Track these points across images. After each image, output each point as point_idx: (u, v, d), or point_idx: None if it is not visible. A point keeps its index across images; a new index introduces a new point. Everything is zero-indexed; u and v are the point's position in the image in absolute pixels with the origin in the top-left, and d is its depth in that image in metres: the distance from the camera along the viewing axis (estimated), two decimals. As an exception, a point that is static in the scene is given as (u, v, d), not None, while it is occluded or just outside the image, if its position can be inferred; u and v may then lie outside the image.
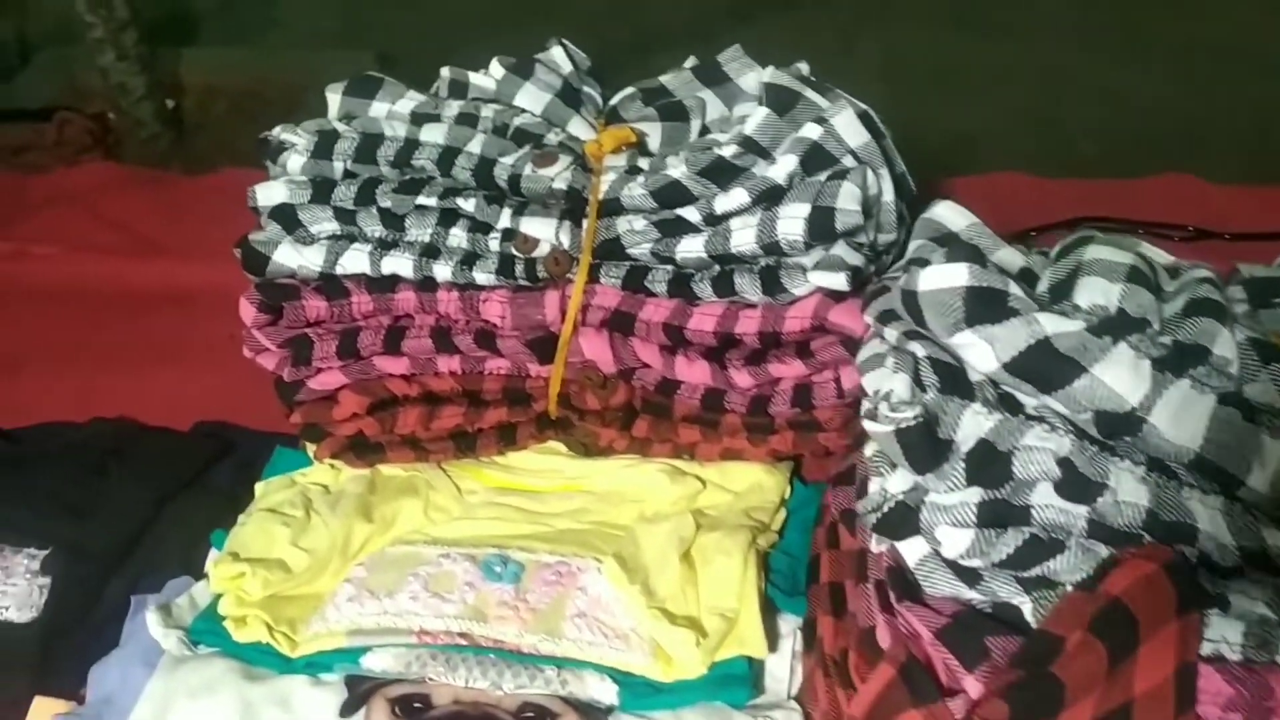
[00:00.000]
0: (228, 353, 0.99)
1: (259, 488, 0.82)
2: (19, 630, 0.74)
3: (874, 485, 0.55)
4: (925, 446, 0.51)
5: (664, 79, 0.87)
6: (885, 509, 0.54)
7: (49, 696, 0.68)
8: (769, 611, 0.71)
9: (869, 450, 0.57)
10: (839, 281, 0.71)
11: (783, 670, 0.69)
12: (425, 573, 0.73)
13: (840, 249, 0.72)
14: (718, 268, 0.75)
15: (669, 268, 0.76)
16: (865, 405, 0.57)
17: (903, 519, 0.53)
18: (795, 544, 0.77)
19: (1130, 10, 2.12)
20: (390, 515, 0.78)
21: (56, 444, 0.90)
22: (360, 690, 0.67)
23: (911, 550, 0.54)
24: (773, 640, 0.69)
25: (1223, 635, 0.49)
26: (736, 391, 0.77)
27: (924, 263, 0.58)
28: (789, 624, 0.71)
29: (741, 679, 0.67)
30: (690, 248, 0.74)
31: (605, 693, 0.67)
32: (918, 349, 0.55)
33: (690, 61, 0.88)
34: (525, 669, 0.67)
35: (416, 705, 0.66)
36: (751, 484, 0.80)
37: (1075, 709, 0.44)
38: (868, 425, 0.54)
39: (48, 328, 1.06)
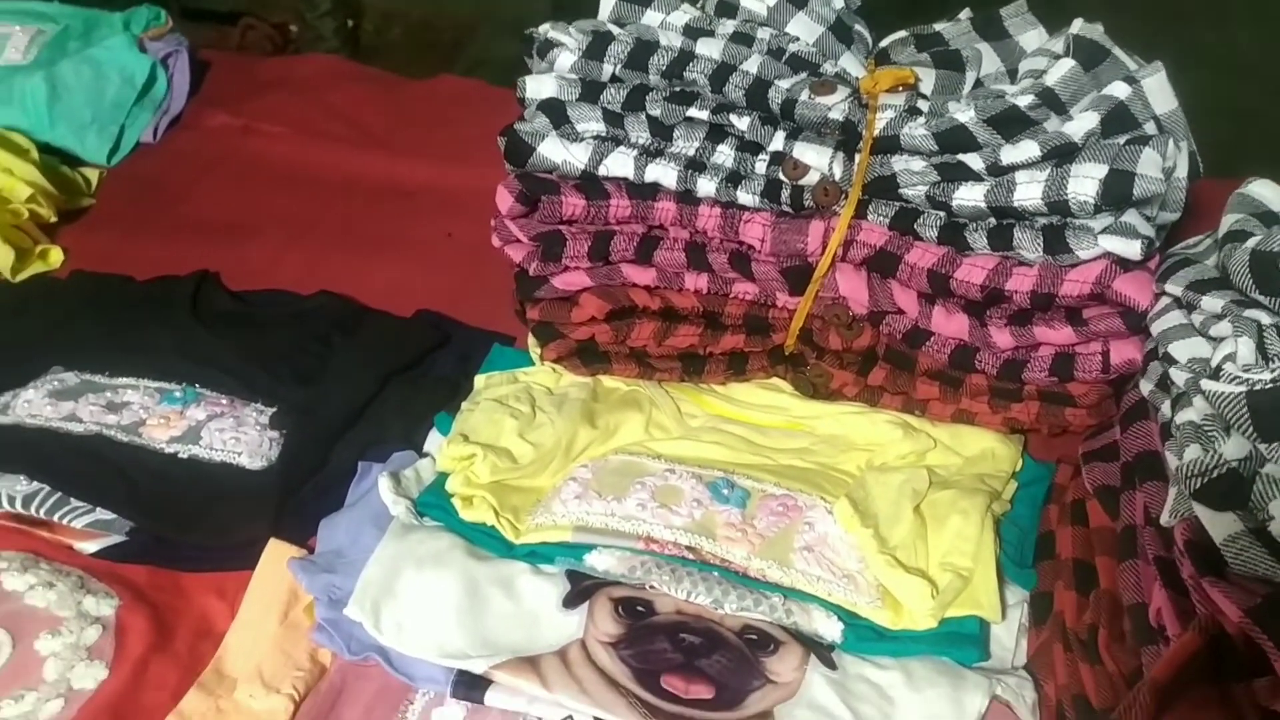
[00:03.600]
0: (446, 250, 1.01)
1: (479, 380, 0.82)
2: (253, 476, 0.76)
3: (1191, 452, 0.52)
4: (1278, 413, 0.48)
5: (940, 26, 0.84)
6: (1214, 474, 0.50)
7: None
8: (1000, 579, 0.68)
9: (1181, 418, 0.54)
10: (1133, 250, 0.67)
11: (1009, 640, 0.67)
12: (652, 484, 0.72)
13: (1132, 216, 0.69)
14: (994, 220, 0.72)
15: (942, 214, 0.73)
16: (1183, 375, 0.54)
17: (1233, 488, 0.50)
18: (1024, 517, 0.74)
19: None
20: (613, 425, 0.78)
21: (284, 311, 0.92)
22: (583, 586, 0.67)
23: (1220, 525, 0.51)
24: (1002, 608, 0.67)
25: None
26: (991, 351, 0.74)
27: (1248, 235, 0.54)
28: (1016, 595, 0.69)
29: (973, 639, 0.65)
30: (968, 196, 0.71)
31: (830, 629, 0.65)
32: (1261, 316, 0.51)
33: (966, 12, 0.85)
34: (750, 593, 0.66)
35: (639, 609, 0.65)
36: (983, 450, 0.77)
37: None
38: (1207, 385, 0.51)
39: (276, 203, 1.08)
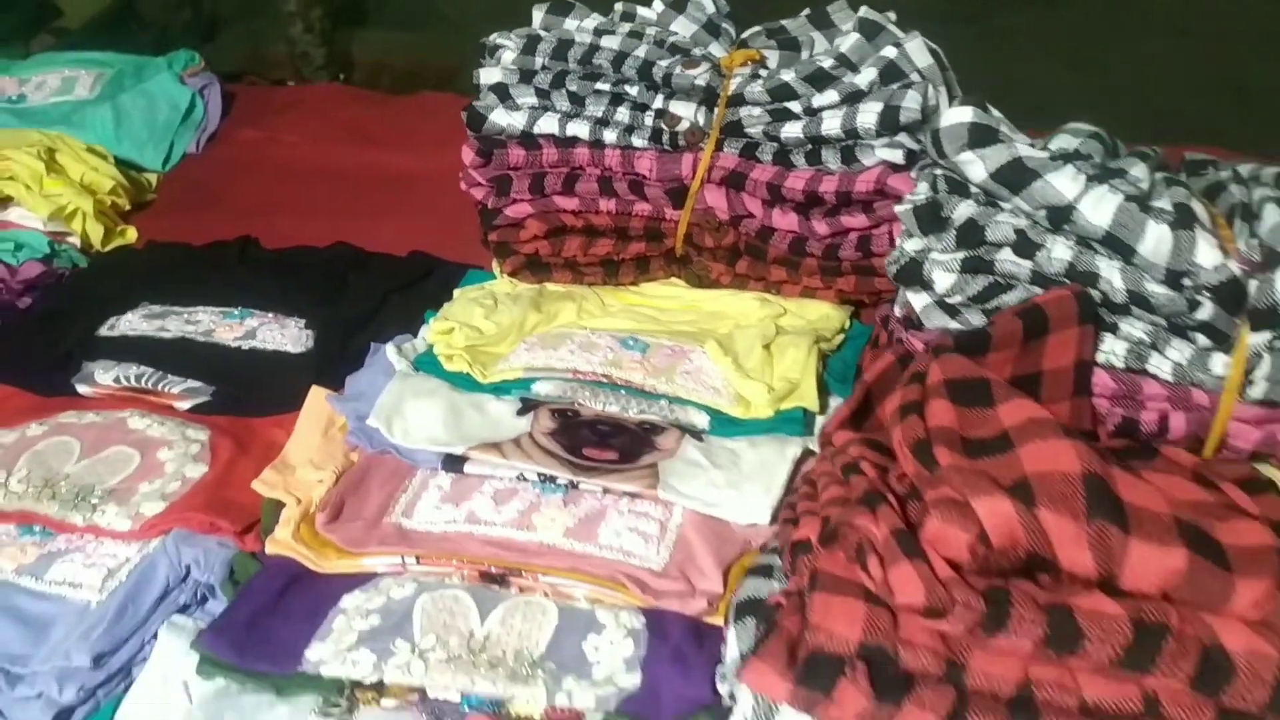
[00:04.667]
0: (428, 214, 1.32)
1: (458, 291, 1.12)
2: (295, 358, 1.06)
3: (891, 255, 0.82)
4: (929, 219, 0.79)
5: (784, 22, 1.16)
6: (902, 262, 0.81)
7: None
8: (824, 389, 0.98)
9: (899, 241, 0.85)
10: (898, 156, 0.98)
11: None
12: (579, 339, 1.02)
13: (902, 137, 1.00)
14: (810, 146, 1.03)
15: (774, 144, 1.04)
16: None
17: (913, 268, 0.80)
18: (850, 355, 1.04)
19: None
20: (554, 311, 1.08)
21: (310, 258, 1.23)
22: (531, 403, 0.96)
23: (919, 300, 0.81)
24: (824, 405, 0.97)
25: (1111, 349, 0.75)
26: (815, 239, 1.05)
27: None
28: (837, 401, 0.98)
29: (799, 421, 0.94)
30: (791, 130, 1.03)
31: (700, 420, 0.94)
32: (936, 170, 0.82)
33: (805, 11, 1.17)
34: (647, 401, 0.96)
35: (569, 414, 0.95)
36: (821, 314, 1.07)
37: (998, 355, 0.70)
38: (897, 208, 0.82)
39: (297, 190, 1.39)
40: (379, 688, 0.73)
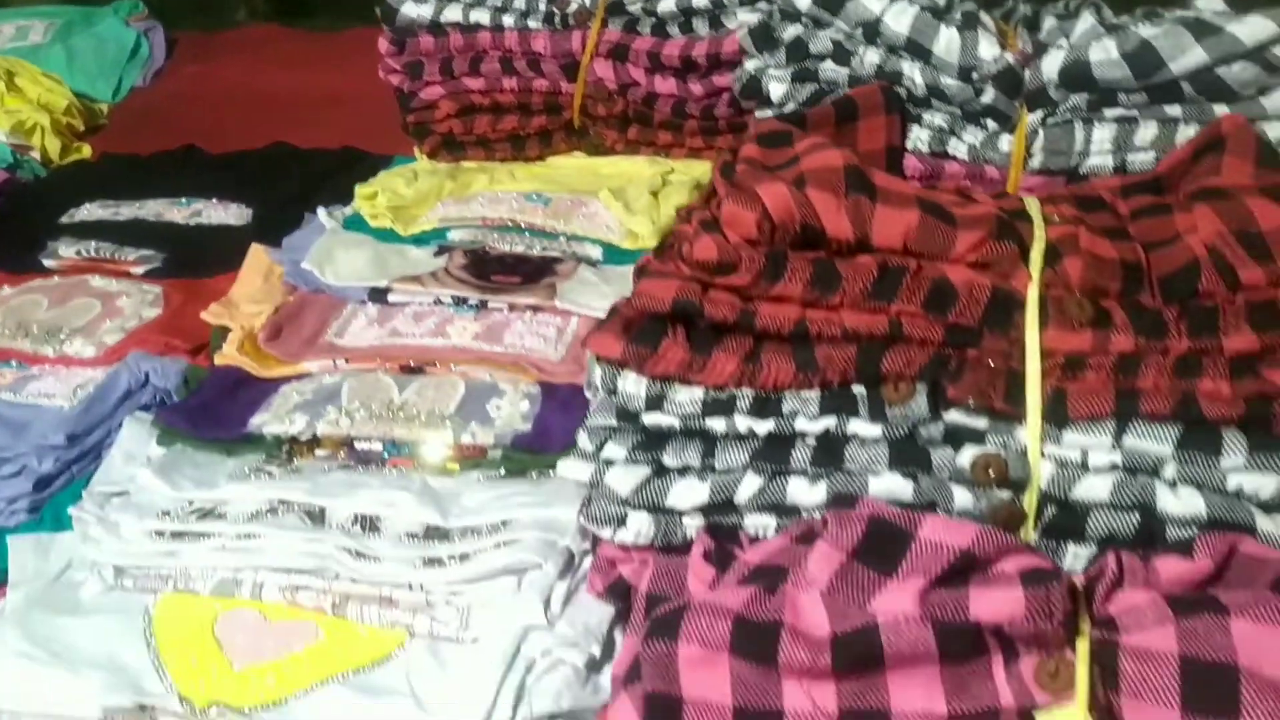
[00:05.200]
0: (352, 119, 1.45)
1: (383, 172, 1.26)
2: (238, 228, 1.19)
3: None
4: (763, 38, 0.94)
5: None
6: (744, 80, 0.96)
7: (258, 249, 1.12)
8: (703, 225, 1.12)
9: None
10: (755, 19, 1.13)
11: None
12: (487, 196, 1.16)
13: (762, 4, 1.15)
14: (682, 17, 1.18)
15: (652, 18, 1.19)
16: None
17: (754, 84, 0.95)
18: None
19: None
20: (468, 181, 1.22)
21: (249, 157, 1.36)
22: (447, 248, 1.10)
23: (761, 115, 0.96)
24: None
25: (917, 137, 0.90)
26: (693, 100, 1.19)
27: None
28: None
29: (679, 246, 1.08)
30: (666, 5, 1.17)
31: (594, 252, 1.09)
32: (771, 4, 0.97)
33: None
34: (548, 240, 1.10)
35: (480, 252, 1.09)
36: (705, 170, 1.21)
37: (814, 135, 0.84)
38: (736, 33, 0.96)
39: (237, 112, 1.52)
40: (313, 443, 0.86)
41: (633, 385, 0.67)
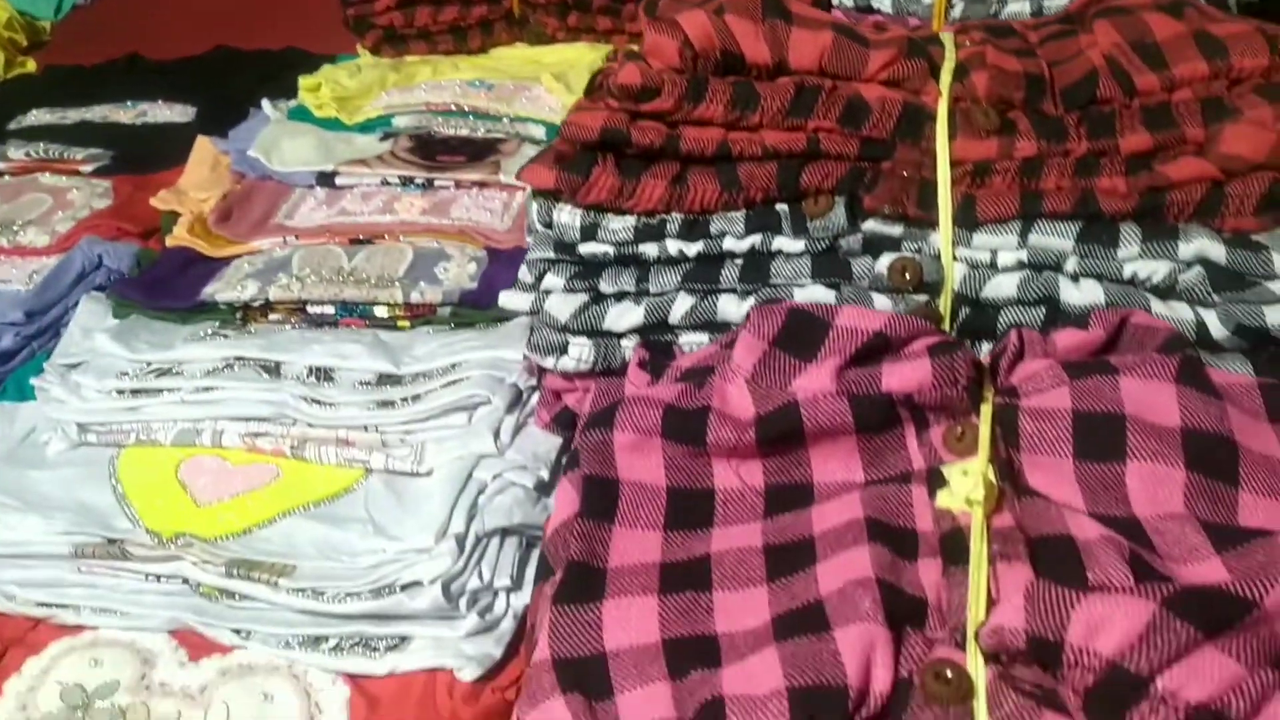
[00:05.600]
0: (295, 21, 1.45)
1: (326, 66, 1.27)
2: (184, 125, 1.20)
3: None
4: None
5: None
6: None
7: (205, 143, 1.13)
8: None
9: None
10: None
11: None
12: (430, 84, 1.18)
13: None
14: (616, -100, 1.19)
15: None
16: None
17: None
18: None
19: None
20: (411, 73, 1.23)
21: (189, 62, 1.36)
22: (392, 133, 1.12)
23: None
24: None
25: (843, -10, 0.93)
26: (629, -16, 1.21)
27: None
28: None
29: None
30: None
31: (538, 132, 1.11)
32: None
33: None
34: (492, 122, 1.12)
35: (425, 136, 1.11)
36: (644, 55, 1.23)
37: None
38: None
39: (179, 22, 1.52)
40: (265, 308, 0.88)
41: (567, 216, 0.70)
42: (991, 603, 0.47)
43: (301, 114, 1.16)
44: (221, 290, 0.89)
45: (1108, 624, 0.42)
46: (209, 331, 0.86)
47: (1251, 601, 0.41)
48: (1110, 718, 0.41)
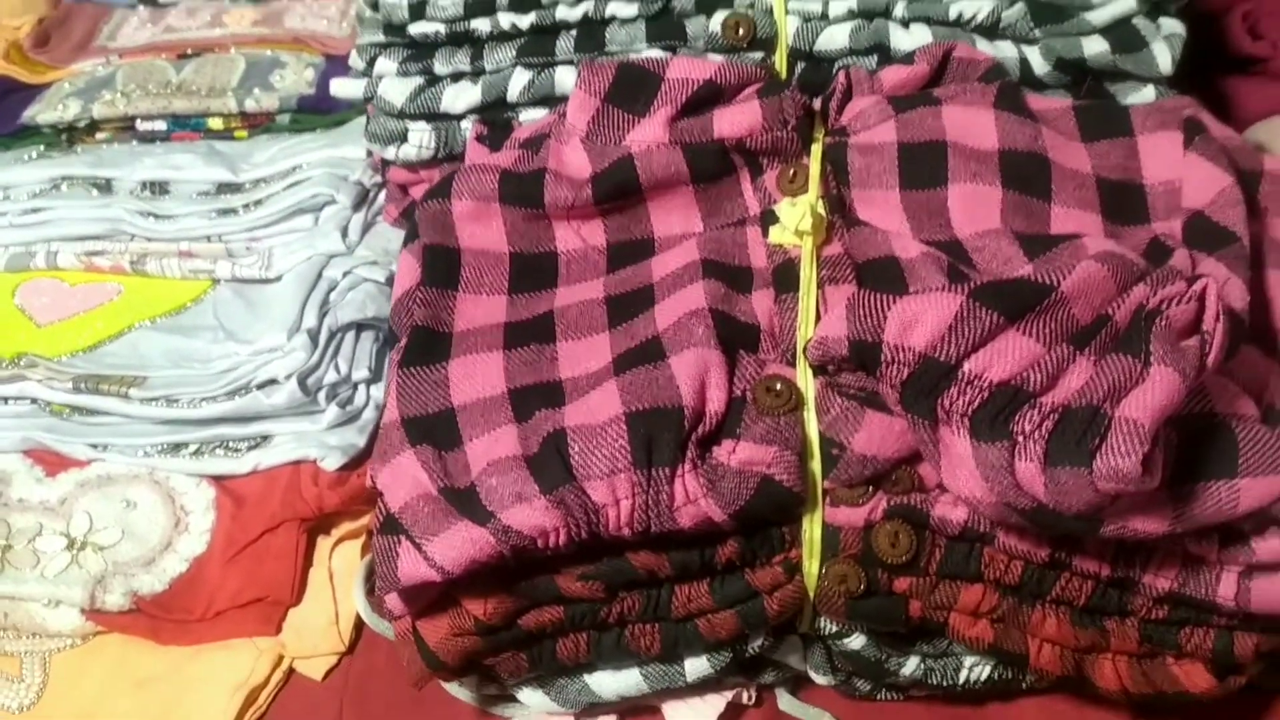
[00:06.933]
0: None
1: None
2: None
3: None
4: None
5: None
6: None
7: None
8: None
9: None
10: None
11: None
12: None
13: None
14: None
15: None
16: None
17: None
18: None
19: None
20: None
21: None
22: None
23: None
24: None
25: None
26: None
27: None
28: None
29: None
30: None
31: None
32: None
33: None
34: None
35: None
36: None
37: None
38: None
39: None
40: (92, 127, 0.84)
41: (394, -5, 0.67)
42: (819, 322, 0.49)
43: None
44: (42, 112, 0.84)
45: (920, 319, 0.43)
46: (33, 155, 0.82)
47: (1050, 286, 0.44)
48: (923, 404, 0.43)
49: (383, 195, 0.76)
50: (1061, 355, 0.42)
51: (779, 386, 0.47)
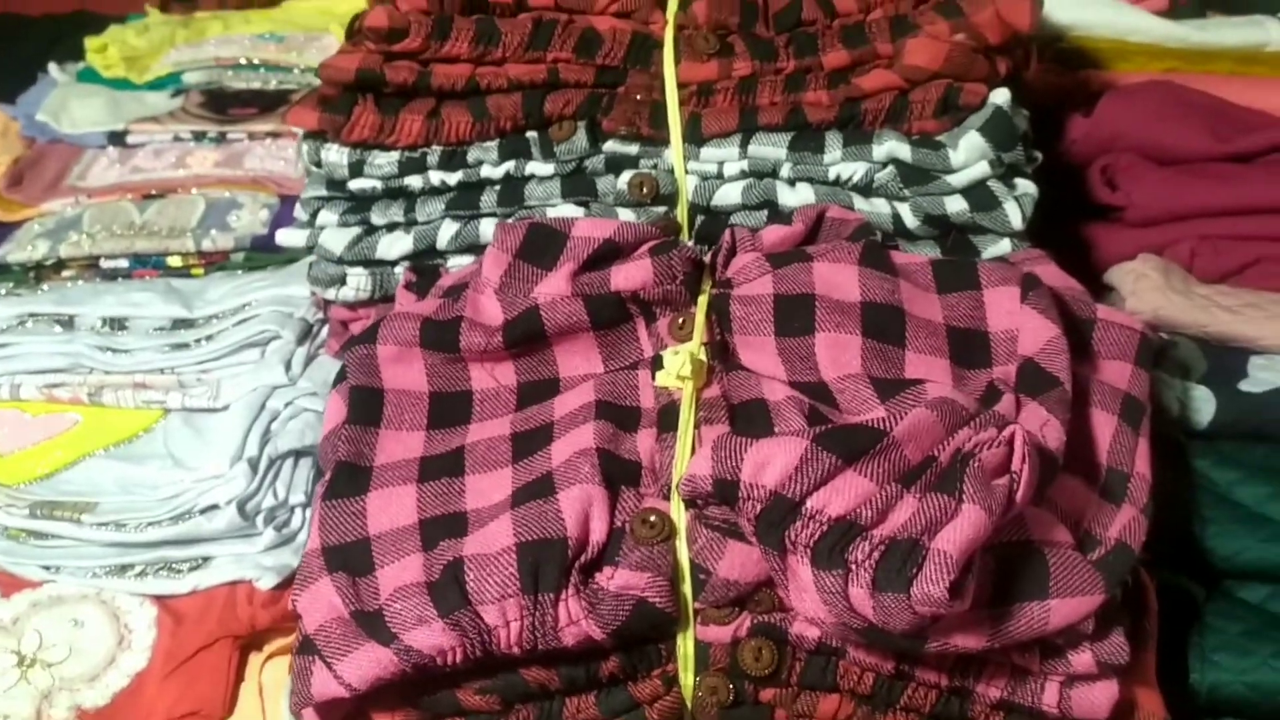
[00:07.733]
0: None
1: (114, 26, 1.26)
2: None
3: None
4: None
5: None
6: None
7: (-7, 107, 1.13)
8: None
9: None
10: None
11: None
12: (220, 39, 1.19)
13: None
14: None
15: None
16: None
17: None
18: None
19: None
20: (201, 29, 1.24)
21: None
22: (182, 90, 1.13)
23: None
24: None
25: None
26: (413, -69, 1.24)
27: None
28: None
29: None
30: None
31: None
32: None
33: None
34: (283, 74, 1.14)
35: (216, 91, 1.13)
36: None
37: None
38: None
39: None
40: (58, 266, 0.90)
41: (335, 155, 0.75)
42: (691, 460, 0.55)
43: (90, 76, 1.17)
44: (13, 252, 0.91)
45: (771, 461, 0.50)
46: (2, 292, 0.88)
47: (883, 431, 0.50)
48: (773, 536, 0.49)
49: (325, 330, 0.83)
50: (891, 493, 0.49)
51: (654, 519, 0.53)
